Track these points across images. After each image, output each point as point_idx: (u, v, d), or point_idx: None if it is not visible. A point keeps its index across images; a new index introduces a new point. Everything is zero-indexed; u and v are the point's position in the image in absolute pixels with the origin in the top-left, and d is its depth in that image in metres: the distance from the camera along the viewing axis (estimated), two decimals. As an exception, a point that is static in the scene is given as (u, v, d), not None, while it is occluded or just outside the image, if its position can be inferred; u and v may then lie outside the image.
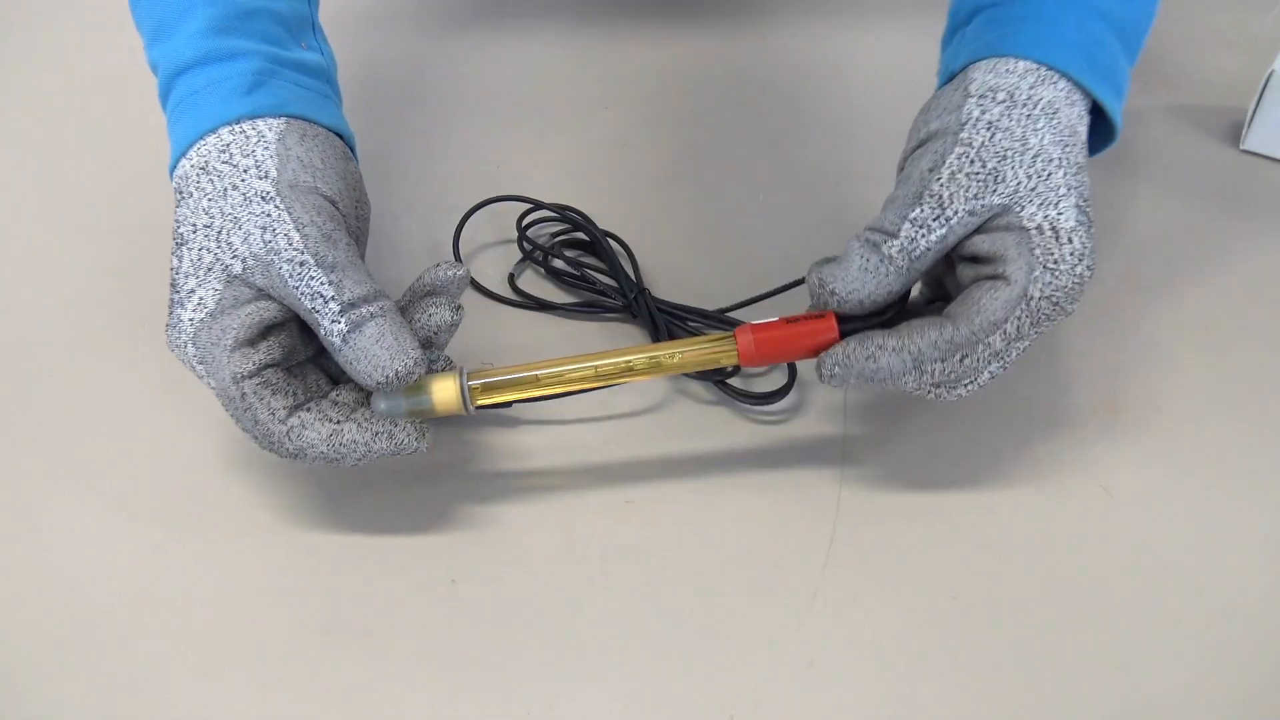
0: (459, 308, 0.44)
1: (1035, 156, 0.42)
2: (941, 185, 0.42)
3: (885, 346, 0.41)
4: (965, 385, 0.43)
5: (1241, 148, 0.64)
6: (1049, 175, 0.42)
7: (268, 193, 0.42)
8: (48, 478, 0.48)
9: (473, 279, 0.56)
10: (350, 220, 0.44)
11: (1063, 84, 0.44)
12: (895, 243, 0.42)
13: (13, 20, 0.75)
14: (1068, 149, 0.43)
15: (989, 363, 0.42)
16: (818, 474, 0.47)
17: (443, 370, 0.44)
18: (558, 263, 0.56)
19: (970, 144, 0.42)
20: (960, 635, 0.42)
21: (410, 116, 0.66)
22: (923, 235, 0.41)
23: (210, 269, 0.42)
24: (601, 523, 0.46)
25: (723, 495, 0.47)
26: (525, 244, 0.56)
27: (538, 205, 0.56)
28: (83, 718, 0.40)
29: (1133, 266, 0.57)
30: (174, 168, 0.45)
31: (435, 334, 0.44)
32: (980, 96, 0.43)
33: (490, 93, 0.68)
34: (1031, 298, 0.40)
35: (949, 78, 0.47)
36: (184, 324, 0.41)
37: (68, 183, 0.62)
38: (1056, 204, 0.41)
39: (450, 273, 0.44)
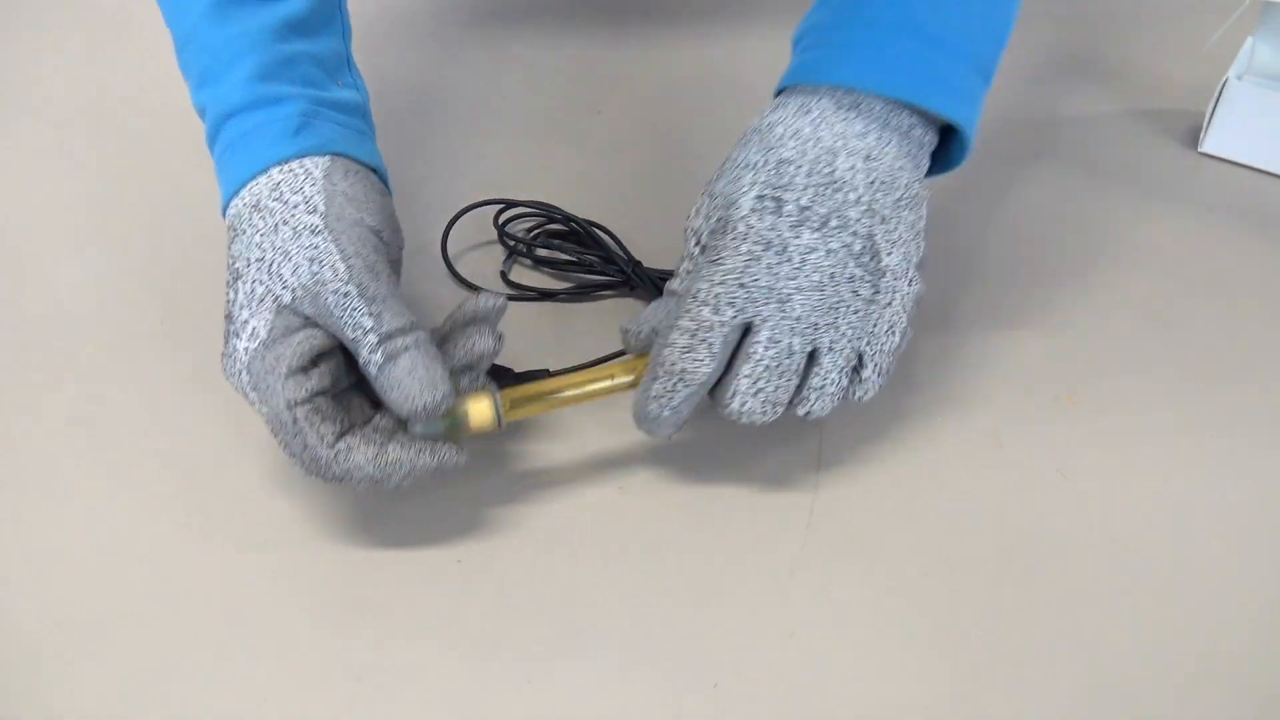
0: (500, 336, 0.46)
1: (733, 166, 0.47)
2: (691, 214, 0.48)
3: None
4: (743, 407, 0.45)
5: (1200, 150, 0.67)
6: (740, 177, 0.46)
7: (316, 226, 0.45)
8: (68, 475, 0.50)
9: (468, 280, 0.58)
10: (392, 250, 0.47)
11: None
12: (671, 283, 0.47)
13: (31, 27, 0.76)
14: (769, 153, 0.46)
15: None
16: (796, 458, 0.50)
17: (478, 390, 0.46)
18: (542, 252, 0.59)
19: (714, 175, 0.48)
20: (928, 608, 0.45)
21: (402, 124, 0.69)
22: (687, 254, 0.47)
23: (262, 300, 0.44)
24: (595, 507, 0.48)
25: (707, 479, 0.49)
26: (506, 240, 0.59)
27: (511, 204, 0.60)
28: (100, 690, 0.42)
29: (1093, 262, 0.60)
30: (227, 206, 0.48)
31: (477, 361, 0.46)
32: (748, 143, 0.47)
33: (480, 98, 0.71)
34: (699, 292, 0.44)
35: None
36: (239, 353, 0.44)
37: (87, 188, 0.64)
38: (737, 200, 0.46)
39: (490, 303, 0.46)
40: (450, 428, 0.45)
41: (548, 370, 0.51)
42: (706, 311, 0.44)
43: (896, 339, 0.46)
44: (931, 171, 0.51)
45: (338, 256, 0.44)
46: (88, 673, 0.43)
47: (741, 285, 0.44)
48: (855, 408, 0.47)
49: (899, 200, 0.46)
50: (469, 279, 0.58)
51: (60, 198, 0.64)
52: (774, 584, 0.46)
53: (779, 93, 0.50)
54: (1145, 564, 0.47)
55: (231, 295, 0.45)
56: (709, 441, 0.51)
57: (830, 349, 0.45)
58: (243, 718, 0.41)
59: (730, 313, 0.44)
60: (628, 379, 0.47)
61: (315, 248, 0.44)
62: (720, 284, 0.44)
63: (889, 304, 0.45)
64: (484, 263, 0.60)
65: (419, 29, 0.77)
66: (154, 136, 0.66)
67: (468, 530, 0.48)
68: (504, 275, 0.59)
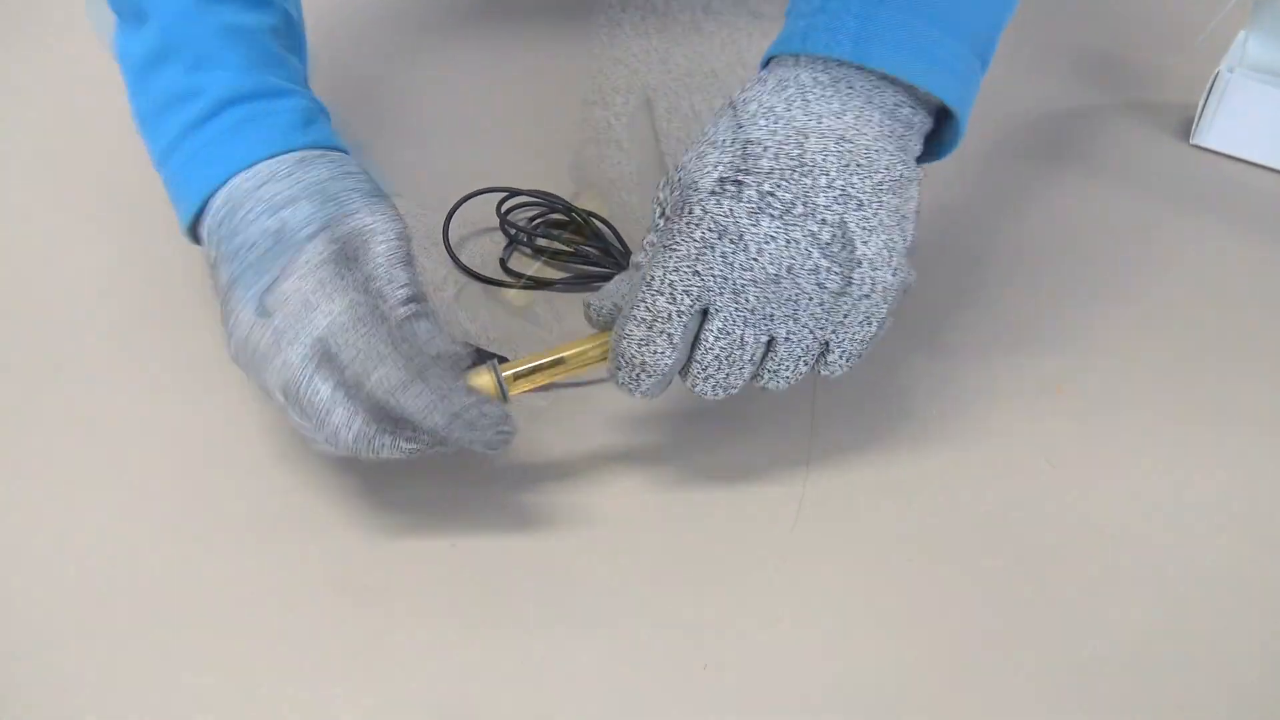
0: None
1: (701, 141, 0.45)
2: (660, 185, 0.46)
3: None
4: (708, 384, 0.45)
5: (1192, 142, 0.68)
6: (705, 155, 0.44)
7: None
8: (66, 471, 0.50)
9: (469, 268, 0.59)
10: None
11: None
12: (639, 253, 0.46)
13: (31, 26, 0.77)
14: (738, 131, 0.44)
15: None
16: (787, 448, 0.51)
17: (478, 368, 0.46)
18: (542, 241, 0.59)
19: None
20: (915, 595, 0.46)
21: (399, 114, 0.69)
22: (652, 227, 0.45)
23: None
24: (587, 494, 0.49)
25: (701, 468, 0.50)
26: (507, 228, 0.60)
27: (515, 192, 0.60)
28: (96, 676, 0.43)
29: (1084, 255, 0.60)
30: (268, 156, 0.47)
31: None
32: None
33: (477, 88, 0.71)
34: (652, 279, 0.44)
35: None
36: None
37: (81, 179, 0.65)
38: (698, 180, 0.44)
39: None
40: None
41: (504, 357, 0.51)
42: (662, 301, 0.43)
43: (873, 329, 0.45)
44: (923, 158, 0.49)
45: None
46: (83, 661, 0.44)
47: (696, 273, 0.43)
48: (846, 399, 0.48)
49: (879, 184, 0.44)
50: (469, 265, 0.59)
51: (59, 197, 0.64)
52: (764, 570, 0.47)
53: (766, 63, 0.48)
54: (1131, 553, 0.47)
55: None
56: (701, 431, 0.52)
57: (787, 339, 0.44)
58: (240, 702, 0.42)
59: (687, 301, 0.43)
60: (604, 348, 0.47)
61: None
62: (674, 271, 0.43)
63: (866, 295, 0.44)
64: (487, 250, 0.60)
65: (418, 18, 0.77)
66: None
67: (461, 516, 0.48)
68: (503, 263, 0.59)
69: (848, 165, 0.43)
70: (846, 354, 0.45)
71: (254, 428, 0.51)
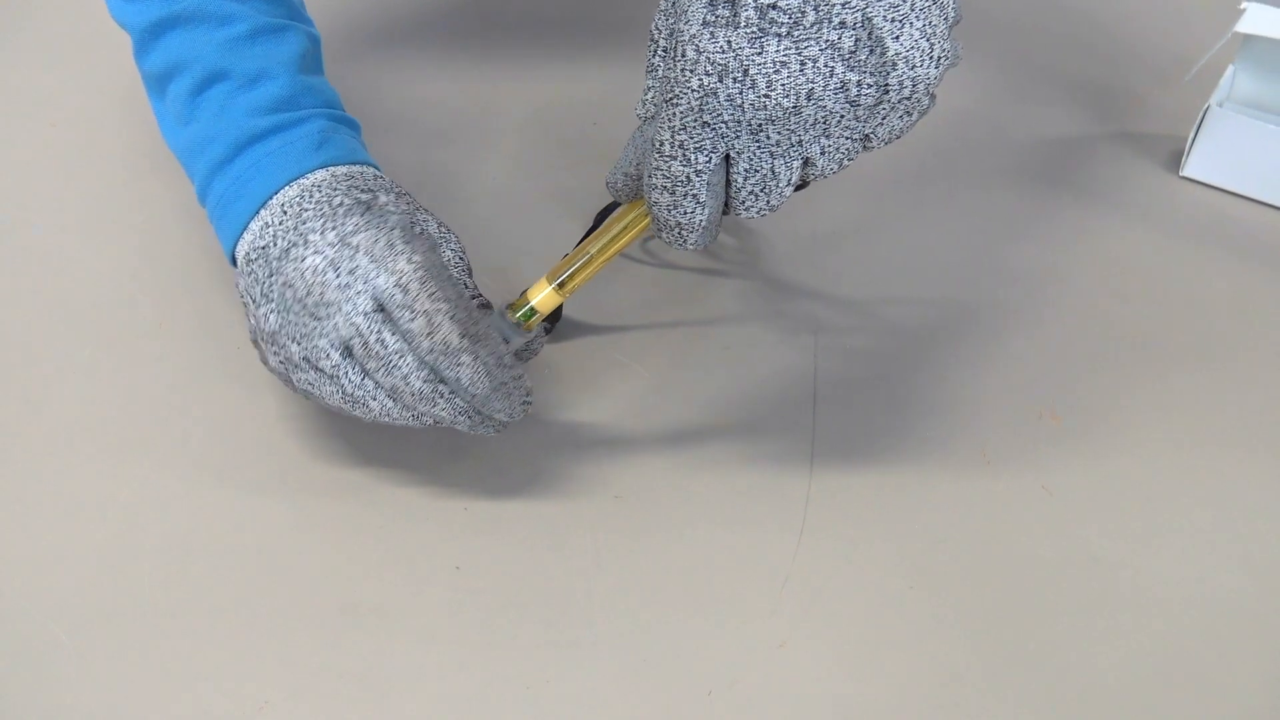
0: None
1: None
2: (653, 21, 0.41)
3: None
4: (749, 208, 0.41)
5: (1181, 174, 0.69)
6: None
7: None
8: (66, 475, 0.50)
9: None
10: None
11: None
12: (637, 107, 0.42)
13: (30, 26, 0.77)
14: None
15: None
16: (789, 473, 0.51)
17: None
18: None
19: None
20: (916, 620, 0.46)
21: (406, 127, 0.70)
22: (650, 76, 0.41)
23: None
24: (591, 517, 0.49)
25: (702, 491, 0.50)
26: None
27: None
28: (98, 691, 0.43)
29: (1076, 284, 0.61)
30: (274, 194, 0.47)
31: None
32: None
33: (483, 109, 0.72)
34: (661, 144, 0.39)
35: None
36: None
37: (84, 187, 0.64)
38: (686, 8, 0.38)
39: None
40: (525, 319, 0.47)
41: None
42: (676, 166, 0.39)
43: (914, 118, 0.39)
44: None
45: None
46: (81, 677, 0.43)
47: (704, 125, 0.38)
48: (844, 426, 0.48)
49: None
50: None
51: (57, 198, 0.64)
52: (766, 595, 0.47)
53: None
54: (1126, 578, 0.48)
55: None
56: (703, 454, 0.52)
57: (824, 153, 0.40)
58: (244, 721, 0.42)
59: (701, 158, 0.39)
60: (644, 216, 0.46)
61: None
62: (681, 129, 0.38)
63: (906, 96, 0.37)
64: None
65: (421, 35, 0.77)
66: (152, 136, 0.67)
67: (466, 537, 0.48)
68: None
69: None
70: (884, 140, 0.40)
71: (253, 443, 0.51)
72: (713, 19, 0.36)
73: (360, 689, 0.43)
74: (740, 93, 0.37)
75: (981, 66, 0.74)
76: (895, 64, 0.36)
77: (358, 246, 0.43)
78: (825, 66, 0.36)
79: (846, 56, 0.36)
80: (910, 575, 0.48)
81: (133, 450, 0.51)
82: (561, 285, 0.47)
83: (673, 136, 0.39)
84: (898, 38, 0.36)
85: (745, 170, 0.40)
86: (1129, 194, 0.68)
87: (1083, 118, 0.73)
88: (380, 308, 0.43)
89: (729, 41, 0.36)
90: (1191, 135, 0.67)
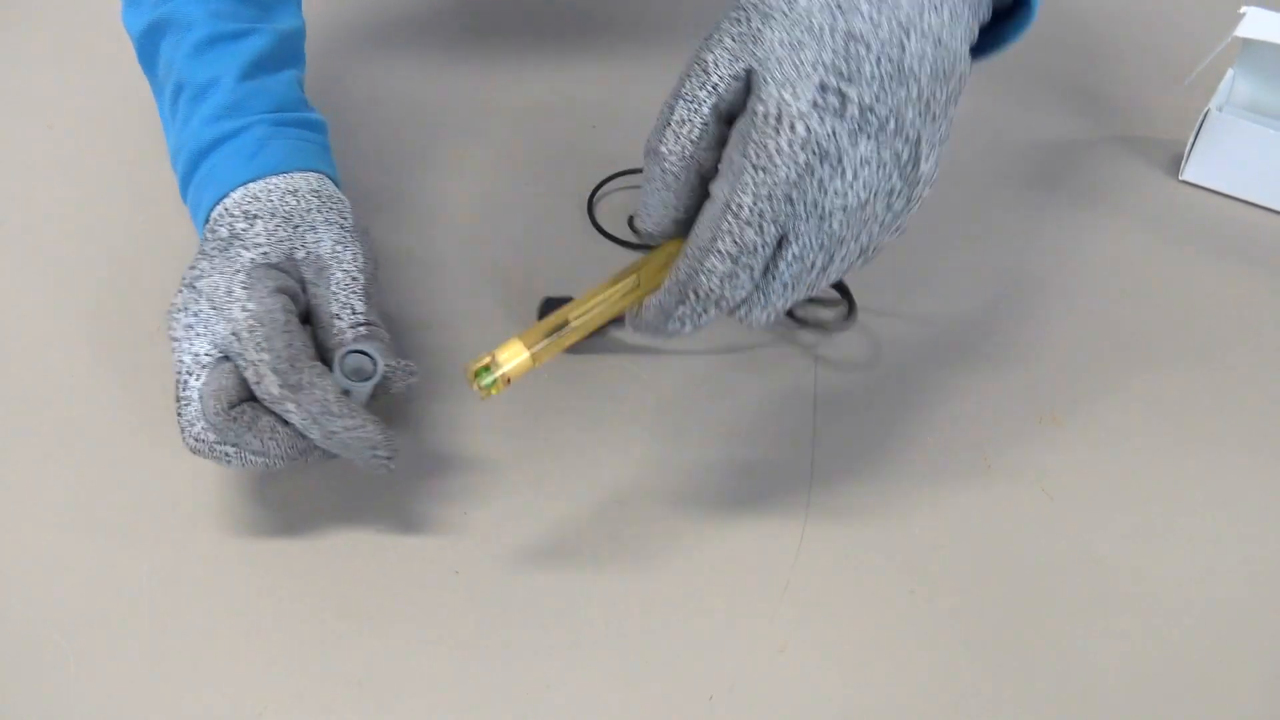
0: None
1: (794, 23, 0.37)
2: (708, 50, 0.38)
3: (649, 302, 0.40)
4: (751, 311, 0.40)
5: (1180, 178, 0.69)
6: (803, 46, 0.37)
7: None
8: (60, 483, 0.50)
9: (609, 234, 0.59)
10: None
11: None
12: (667, 141, 0.39)
13: (29, 27, 0.76)
14: (842, 14, 0.37)
15: (724, 292, 0.38)
16: (789, 474, 0.51)
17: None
18: None
19: (744, 6, 0.38)
20: (917, 625, 0.46)
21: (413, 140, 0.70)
22: (694, 112, 0.38)
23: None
24: (592, 523, 0.49)
25: (703, 497, 0.50)
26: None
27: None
28: (99, 701, 0.43)
29: (1077, 287, 0.61)
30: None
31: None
32: None
33: (484, 111, 0.72)
34: (740, 207, 0.37)
35: None
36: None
37: (84, 190, 0.64)
38: (794, 82, 0.37)
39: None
40: (490, 382, 0.42)
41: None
42: (750, 233, 0.37)
43: (893, 237, 0.41)
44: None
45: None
46: (83, 677, 0.43)
47: (790, 200, 0.37)
48: (846, 432, 0.48)
49: (951, 94, 0.39)
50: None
51: (57, 198, 0.64)
52: (766, 600, 0.47)
53: None
54: (1127, 581, 0.48)
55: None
56: (704, 457, 0.52)
57: (844, 258, 0.40)
58: (243, 726, 0.42)
59: (773, 230, 0.38)
60: (635, 289, 0.42)
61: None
62: (768, 198, 0.37)
63: (913, 213, 0.40)
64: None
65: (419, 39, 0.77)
66: (152, 137, 0.67)
67: (465, 543, 0.48)
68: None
69: (936, 74, 0.38)
70: (870, 259, 0.41)
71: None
72: (823, 104, 0.37)
73: (359, 694, 0.43)
74: (831, 178, 0.37)
75: (981, 71, 0.73)
76: (919, 181, 0.39)
77: (201, 291, 0.46)
78: (889, 171, 0.38)
79: (901, 166, 0.38)
80: (911, 579, 0.48)
81: (132, 452, 0.51)
82: (535, 357, 0.42)
83: (755, 203, 0.37)
84: (927, 159, 0.39)
85: (792, 257, 0.39)
86: (1128, 198, 0.68)
87: (1082, 122, 0.73)
88: (224, 354, 0.45)
89: (834, 130, 0.37)
90: (1191, 139, 0.67)
